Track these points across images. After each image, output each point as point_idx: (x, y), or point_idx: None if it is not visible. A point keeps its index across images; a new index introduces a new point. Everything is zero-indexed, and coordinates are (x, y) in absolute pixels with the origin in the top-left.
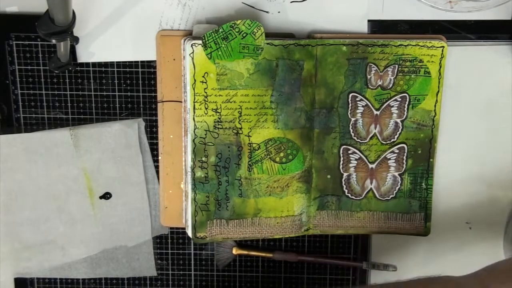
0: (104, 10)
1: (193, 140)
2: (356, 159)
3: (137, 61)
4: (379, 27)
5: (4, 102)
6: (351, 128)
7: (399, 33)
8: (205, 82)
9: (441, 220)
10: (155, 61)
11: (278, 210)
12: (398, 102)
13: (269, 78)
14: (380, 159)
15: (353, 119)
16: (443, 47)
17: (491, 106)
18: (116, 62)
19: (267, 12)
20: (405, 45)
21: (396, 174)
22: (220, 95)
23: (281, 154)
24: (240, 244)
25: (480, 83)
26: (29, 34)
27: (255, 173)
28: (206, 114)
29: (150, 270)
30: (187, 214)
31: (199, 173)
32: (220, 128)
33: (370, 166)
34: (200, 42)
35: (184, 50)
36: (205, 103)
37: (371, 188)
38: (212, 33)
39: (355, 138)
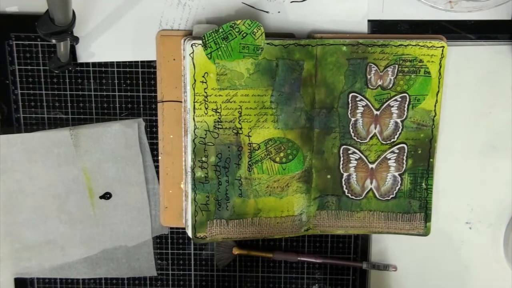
0: (104, 10)
1: (193, 140)
2: (356, 159)
3: (137, 61)
4: (379, 27)
5: (4, 102)
6: (351, 128)
7: (399, 33)
8: (205, 82)
9: (441, 220)
10: (155, 61)
11: (278, 210)
12: (398, 102)
13: (269, 78)
14: (380, 159)
15: (353, 119)
16: (443, 47)
17: (491, 106)
18: (116, 62)
19: (267, 12)
20: (405, 45)
21: (396, 174)
22: (220, 95)
23: (281, 154)
24: (240, 244)
25: (480, 83)
26: (29, 34)
27: (255, 173)
28: (206, 114)
29: (150, 270)
30: (187, 214)
31: (199, 173)
32: (220, 128)
33: (370, 166)
34: (200, 42)
35: (184, 50)
36: (205, 103)
37: (371, 188)
38: (212, 33)
39: (355, 138)
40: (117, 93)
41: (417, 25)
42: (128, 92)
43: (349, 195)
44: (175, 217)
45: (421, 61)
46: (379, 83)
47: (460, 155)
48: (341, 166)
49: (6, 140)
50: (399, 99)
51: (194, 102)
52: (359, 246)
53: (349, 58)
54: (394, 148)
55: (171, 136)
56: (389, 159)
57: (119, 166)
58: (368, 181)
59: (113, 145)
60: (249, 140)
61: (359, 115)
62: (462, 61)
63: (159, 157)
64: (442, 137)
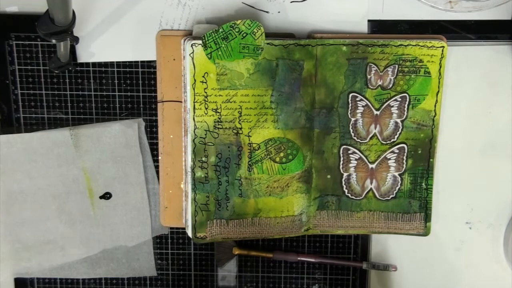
0: (104, 10)
1: (193, 140)
2: (356, 159)
3: (137, 61)
4: (379, 27)
5: (4, 102)
6: (351, 128)
7: (399, 33)
8: (205, 82)
9: (441, 220)
10: (155, 61)
11: (278, 210)
12: (398, 102)
13: (269, 78)
14: (380, 159)
15: (353, 119)
16: (443, 47)
17: (491, 106)
18: (116, 62)
19: (267, 12)
20: (405, 45)
21: (396, 174)
22: (220, 95)
23: (281, 154)
24: (240, 244)
25: (480, 83)
26: (29, 34)
27: (255, 173)
28: (206, 114)
29: (150, 270)
30: (187, 214)
31: (199, 173)
32: (220, 128)
33: (370, 166)
34: (200, 42)
35: (184, 50)
36: (205, 103)
37: (371, 188)
38: (212, 33)
39: (355, 138)
40: (117, 93)
41: (417, 25)
42: (128, 92)
43: (349, 195)
44: (175, 217)
45: (421, 61)
46: (379, 83)
47: (460, 155)
48: (341, 166)
49: (6, 140)
50: (399, 99)
51: (194, 102)
52: (359, 246)
53: (349, 58)
54: (394, 148)
55: (171, 136)
56: (389, 159)
57: (119, 166)
58: (368, 181)
59: (113, 145)
60: (249, 140)
61: (359, 115)
62: (462, 61)
63: (159, 157)
64: (442, 137)
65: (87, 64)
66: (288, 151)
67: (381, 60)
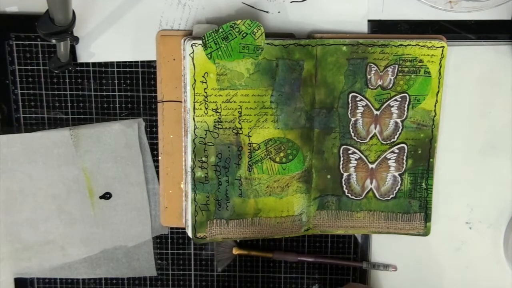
0: (104, 10)
1: (193, 140)
2: (356, 159)
3: (137, 61)
4: (379, 27)
5: (4, 102)
6: (351, 128)
7: (399, 33)
8: (205, 82)
9: (441, 220)
10: (155, 61)
11: (278, 210)
12: (398, 102)
13: (269, 78)
14: (380, 159)
15: (353, 119)
16: (443, 47)
17: (491, 106)
18: (116, 62)
19: (267, 12)
20: (405, 45)
21: (396, 174)
22: (220, 95)
23: (281, 154)
24: (240, 244)
25: (480, 83)
26: (29, 34)
27: (255, 173)
28: (206, 114)
29: (150, 270)
30: (187, 214)
31: (199, 173)
32: (220, 128)
33: (370, 166)
34: (200, 42)
35: (184, 50)
36: (205, 103)
37: (371, 188)
38: (212, 33)
39: (355, 138)
40: (117, 93)
41: (417, 25)
42: (128, 92)
43: (349, 195)
44: (175, 217)
45: (421, 61)
46: (379, 83)
47: (460, 155)
48: (341, 166)
49: (6, 140)
50: (399, 99)
51: (194, 102)
52: (359, 246)
53: (349, 58)
54: (394, 148)
55: (171, 136)
56: (389, 159)
57: (119, 166)
58: (368, 181)
59: (113, 145)
60: (249, 140)
61: (359, 115)
62: (462, 61)
63: (159, 157)
64: (442, 137)
65: (87, 64)
66: (288, 151)
67: (381, 60)
